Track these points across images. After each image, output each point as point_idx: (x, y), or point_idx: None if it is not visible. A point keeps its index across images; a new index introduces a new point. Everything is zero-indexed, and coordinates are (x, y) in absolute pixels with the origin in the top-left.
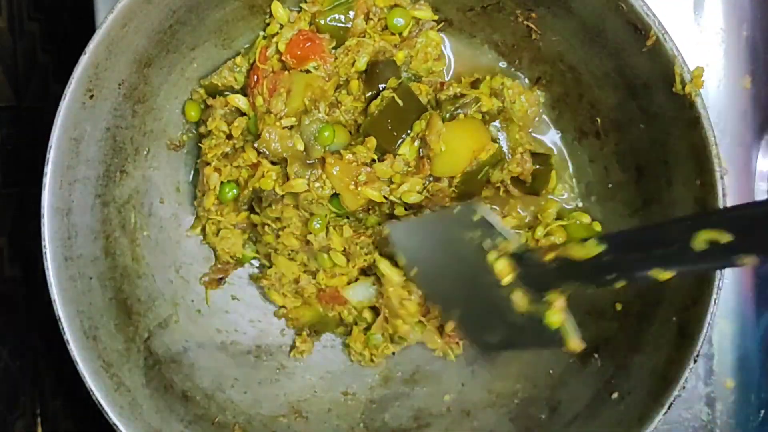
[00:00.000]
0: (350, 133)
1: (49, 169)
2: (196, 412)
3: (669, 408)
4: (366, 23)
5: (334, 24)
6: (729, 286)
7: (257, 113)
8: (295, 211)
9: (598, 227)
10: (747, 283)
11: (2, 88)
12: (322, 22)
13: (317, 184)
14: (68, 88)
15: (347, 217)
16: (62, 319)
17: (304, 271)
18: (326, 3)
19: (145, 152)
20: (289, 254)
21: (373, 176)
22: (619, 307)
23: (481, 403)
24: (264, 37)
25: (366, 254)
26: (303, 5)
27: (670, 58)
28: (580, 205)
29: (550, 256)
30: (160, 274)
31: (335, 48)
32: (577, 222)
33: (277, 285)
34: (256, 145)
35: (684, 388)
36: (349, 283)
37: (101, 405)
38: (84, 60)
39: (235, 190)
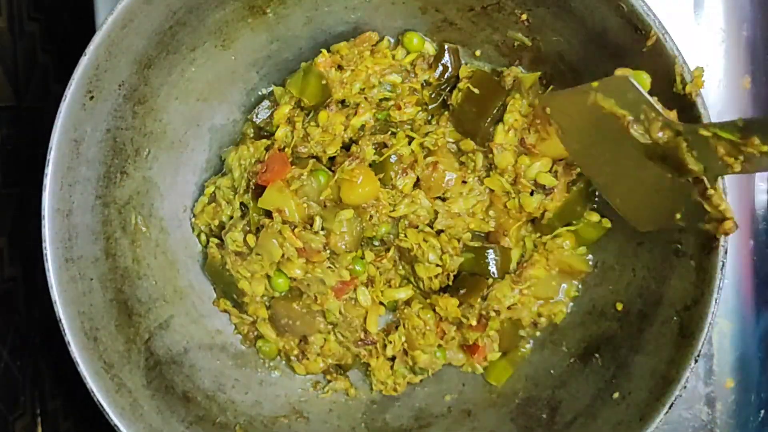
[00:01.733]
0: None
1: (49, 170)
2: (197, 413)
3: (670, 408)
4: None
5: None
6: (729, 286)
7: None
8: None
9: (608, 224)
10: (747, 283)
11: (2, 88)
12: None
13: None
14: (68, 90)
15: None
16: (63, 320)
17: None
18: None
19: (146, 153)
20: (328, 330)
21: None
22: (619, 306)
23: (481, 403)
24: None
25: (388, 279)
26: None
27: (670, 58)
28: None
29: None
30: (161, 275)
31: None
32: (586, 221)
33: (318, 359)
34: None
35: (684, 387)
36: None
37: (102, 406)
38: (84, 61)
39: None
